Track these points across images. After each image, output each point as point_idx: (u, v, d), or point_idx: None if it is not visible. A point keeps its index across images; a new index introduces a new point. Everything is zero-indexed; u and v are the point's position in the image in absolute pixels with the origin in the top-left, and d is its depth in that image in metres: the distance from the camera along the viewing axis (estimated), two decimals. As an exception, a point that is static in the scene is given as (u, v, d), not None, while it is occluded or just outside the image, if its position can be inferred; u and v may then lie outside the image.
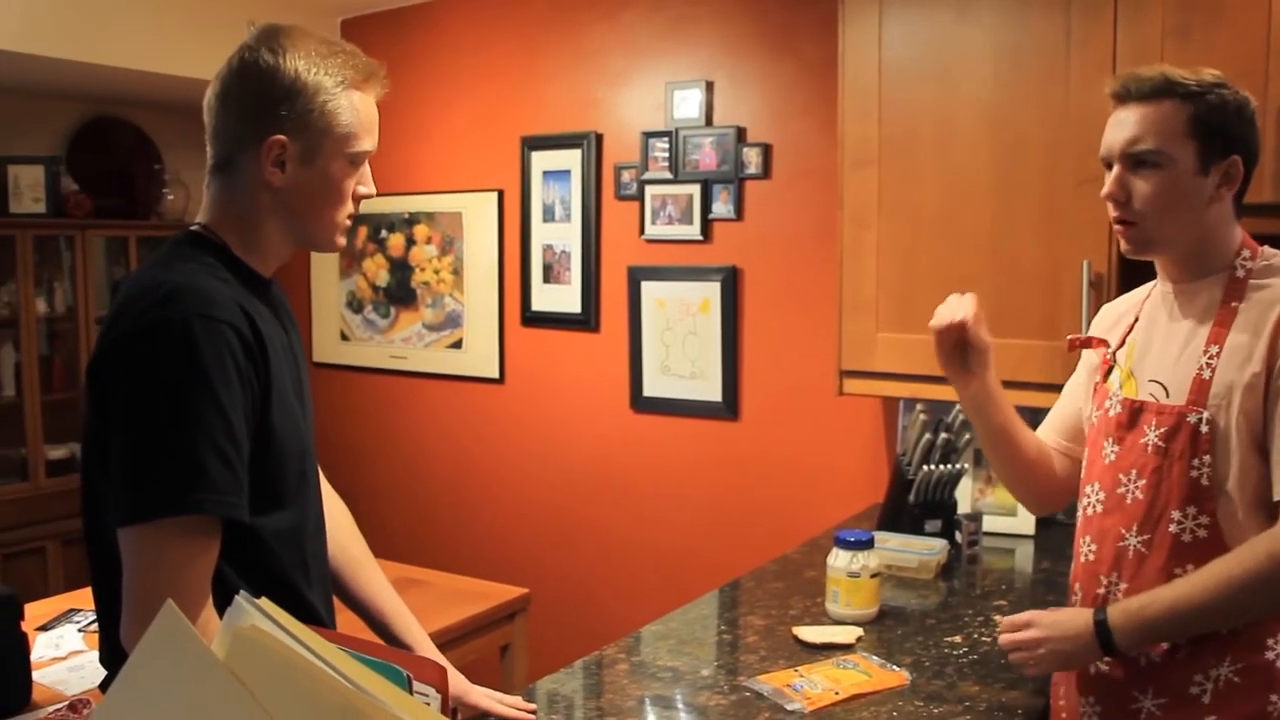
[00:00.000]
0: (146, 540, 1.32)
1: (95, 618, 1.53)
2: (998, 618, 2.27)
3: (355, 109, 1.51)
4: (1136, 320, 1.82)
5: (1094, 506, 1.77)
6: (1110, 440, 1.75)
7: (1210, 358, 1.64)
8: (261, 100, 1.47)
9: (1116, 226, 1.73)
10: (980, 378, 1.91)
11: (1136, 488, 1.69)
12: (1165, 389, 1.69)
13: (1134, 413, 1.72)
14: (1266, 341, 1.59)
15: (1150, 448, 1.67)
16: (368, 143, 1.54)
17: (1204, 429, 1.62)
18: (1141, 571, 1.67)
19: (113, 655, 1.48)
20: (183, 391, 1.33)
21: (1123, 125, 1.68)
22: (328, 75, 1.49)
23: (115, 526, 1.34)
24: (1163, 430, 1.66)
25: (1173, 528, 1.64)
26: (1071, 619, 1.66)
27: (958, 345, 1.89)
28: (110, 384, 1.37)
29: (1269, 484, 1.58)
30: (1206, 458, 1.62)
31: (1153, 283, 1.85)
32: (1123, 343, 1.83)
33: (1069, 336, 1.92)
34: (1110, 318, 1.93)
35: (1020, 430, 1.96)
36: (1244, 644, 1.61)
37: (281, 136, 1.47)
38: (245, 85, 1.48)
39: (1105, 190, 1.71)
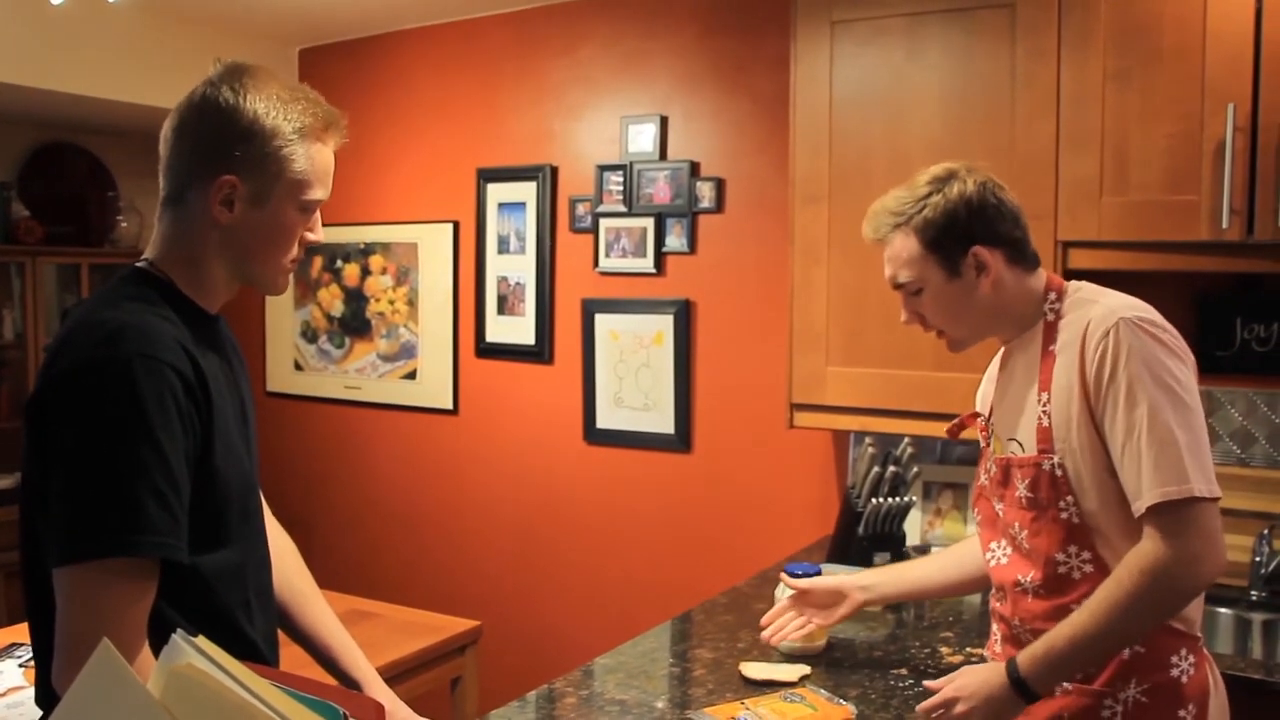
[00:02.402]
0: (81, 581, 1.30)
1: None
2: (944, 649, 2.30)
3: (311, 157, 1.51)
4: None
5: (999, 559, 1.85)
6: (997, 499, 1.84)
7: (1044, 405, 1.73)
8: (217, 138, 1.46)
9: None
10: (865, 600, 2.18)
11: (1022, 538, 1.77)
12: (1020, 444, 1.78)
13: (1005, 470, 1.80)
14: (1078, 378, 1.67)
15: (1024, 500, 1.76)
16: (320, 192, 1.54)
17: (1059, 473, 1.70)
18: (1041, 612, 1.75)
19: (47, 696, 1.46)
20: (122, 432, 1.32)
21: (885, 265, 1.85)
22: (287, 121, 1.48)
23: (51, 566, 1.33)
24: (1028, 482, 1.74)
25: (1061, 569, 1.72)
26: (987, 680, 1.69)
27: (821, 606, 2.20)
28: (50, 422, 1.36)
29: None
30: (1070, 498, 1.69)
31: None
32: (992, 409, 1.90)
33: (947, 428, 1.99)
34: (984, 384, 2.01)
35: (940, 575, 2.14)
36: (1148, 664, 1.68)
37: (232, 177, 1.46)
38: (203, 121, 1.47)
39: (902, 318, 1.88)
